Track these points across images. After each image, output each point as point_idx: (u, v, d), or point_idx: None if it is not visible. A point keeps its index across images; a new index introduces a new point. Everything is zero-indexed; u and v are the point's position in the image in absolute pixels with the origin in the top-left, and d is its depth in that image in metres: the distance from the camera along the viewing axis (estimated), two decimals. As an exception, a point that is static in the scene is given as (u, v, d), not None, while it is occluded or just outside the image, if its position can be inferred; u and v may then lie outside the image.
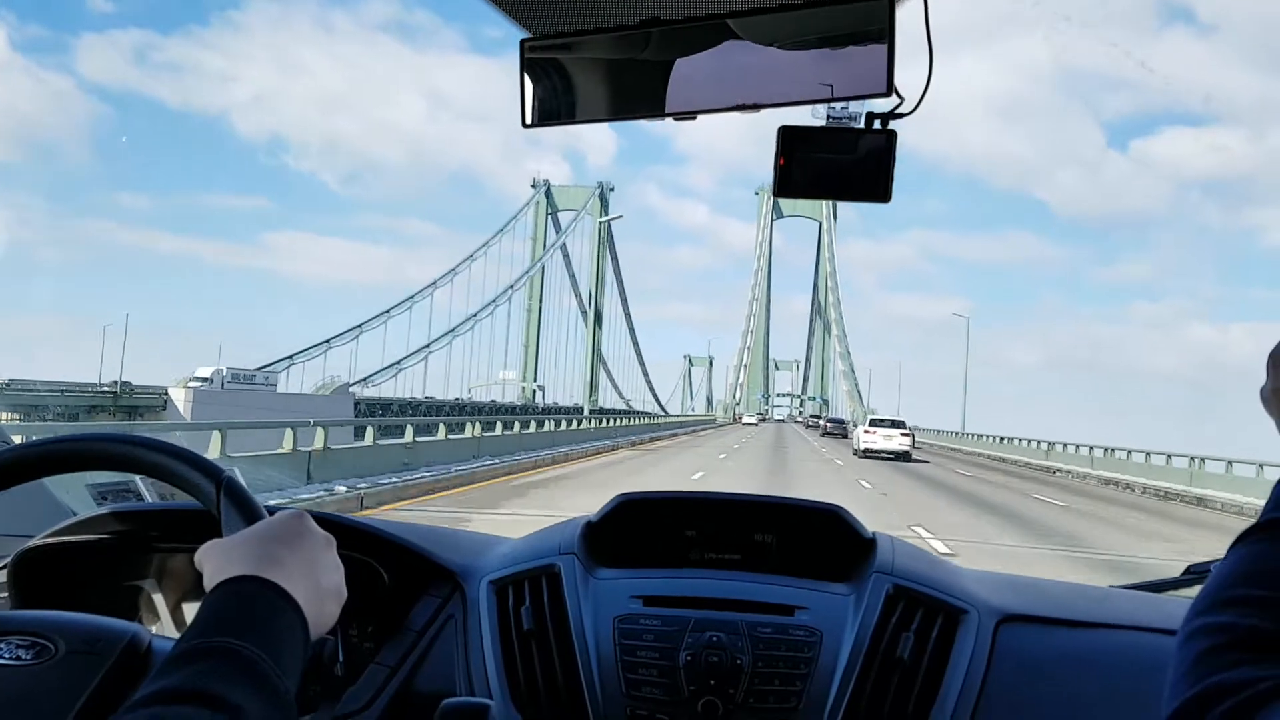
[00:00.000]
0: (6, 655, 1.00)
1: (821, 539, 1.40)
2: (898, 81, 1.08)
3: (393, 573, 1.27)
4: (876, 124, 1.16)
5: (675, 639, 1.16)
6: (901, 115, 1.14)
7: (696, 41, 1.09)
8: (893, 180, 1.17)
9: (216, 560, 0.74)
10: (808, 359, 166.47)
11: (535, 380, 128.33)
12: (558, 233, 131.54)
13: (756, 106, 1.08)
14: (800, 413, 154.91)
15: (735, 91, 1.09)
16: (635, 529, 1.42)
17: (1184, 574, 1.69)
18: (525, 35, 1.13)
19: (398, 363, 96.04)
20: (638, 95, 1.12)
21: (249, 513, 0.83)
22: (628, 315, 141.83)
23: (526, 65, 1.12)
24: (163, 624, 1.36)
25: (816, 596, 1.24)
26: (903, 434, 32.77)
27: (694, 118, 1.12)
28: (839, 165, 1.18)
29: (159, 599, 1.38)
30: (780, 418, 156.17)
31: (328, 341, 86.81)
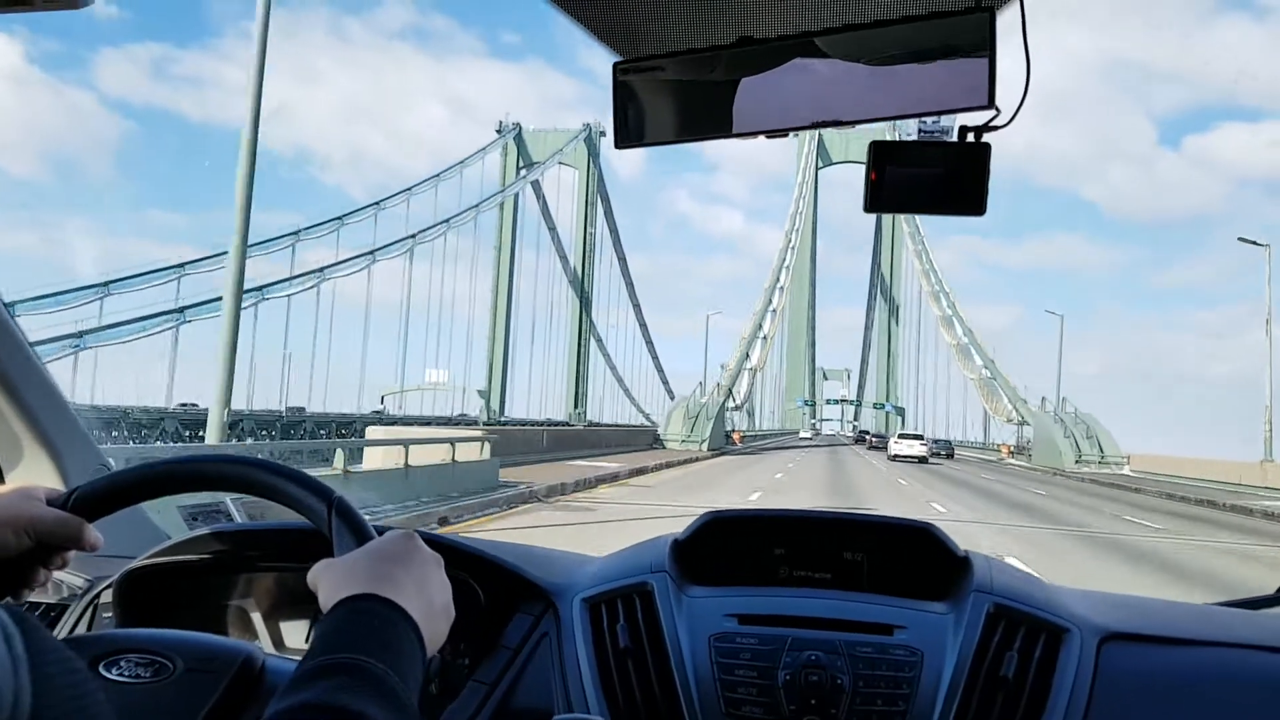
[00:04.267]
0: (127, 673, 1.02)
1: (913, 557, 1.39)
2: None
3: (488, 591, 1.28)
4: (970, 137, 1.15)
5: (773, 658, 1.15)
6: (996, 128, 1.13)
7: (789, 59, 1.09)
8: (987, 193, 1.16)
9: (332, 579, 0.75)
10: (864, 360, 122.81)
11: (500, 385, 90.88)
12: (536, 193, 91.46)
13: (852, 122, 1.08)
14: (854, 426, 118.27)
15: (829, 107, 1.09)
16: (723, 547, 1.41)
17: (1278, 592, 1.67)
18: (617, 59, 1.14)
19: (77, 335, 39.04)
20: (730, 114, 1.12)
21: (359, 532, 0.84)
22: (635, 306, 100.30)
23: (619, 88, 1.13)
24: (261, 643, 1.38)
25: (914, 615, 1.22)
26: (921, 444, 46.38)
27: (787, 134, 1.12)
28: (932, 179, 1.17)
29: (257, 617, 1.41)
30: (830, 433, 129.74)
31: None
